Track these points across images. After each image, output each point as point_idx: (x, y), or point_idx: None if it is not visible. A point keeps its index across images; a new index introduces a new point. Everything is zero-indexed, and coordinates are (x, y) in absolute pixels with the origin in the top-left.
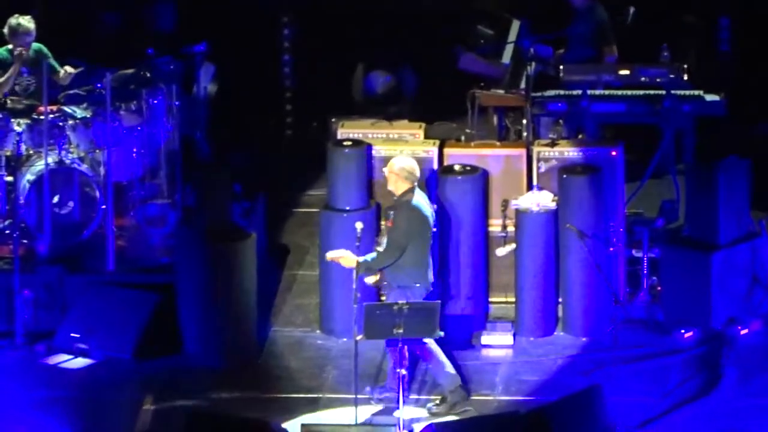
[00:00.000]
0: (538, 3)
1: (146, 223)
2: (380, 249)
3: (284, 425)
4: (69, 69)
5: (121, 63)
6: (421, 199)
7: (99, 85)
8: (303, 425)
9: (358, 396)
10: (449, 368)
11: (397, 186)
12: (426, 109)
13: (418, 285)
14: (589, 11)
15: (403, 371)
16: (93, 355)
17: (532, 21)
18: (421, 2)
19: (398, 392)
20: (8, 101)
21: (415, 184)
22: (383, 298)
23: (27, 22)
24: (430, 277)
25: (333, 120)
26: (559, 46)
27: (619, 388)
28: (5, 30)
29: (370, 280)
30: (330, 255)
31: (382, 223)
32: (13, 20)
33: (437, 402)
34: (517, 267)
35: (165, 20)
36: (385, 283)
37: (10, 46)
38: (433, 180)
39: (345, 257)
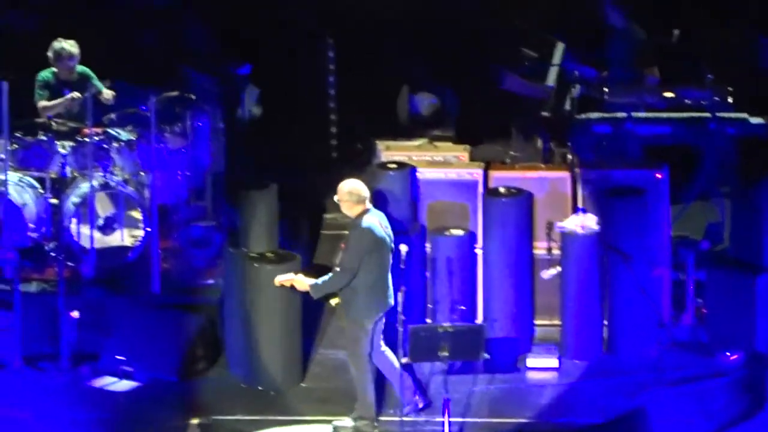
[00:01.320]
0: (581, 24)
1: (191, 245)
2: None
3: None
4: (111, 92)
5: (163, 84)
6: (374, 220)
7: (144, 108)
8: None
9: (403, 419)
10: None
11: (351, 210)
12: (471, 131)
13: (368, 318)
14: (627, 31)
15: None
16: (138, 377)
17: (577, 43)
18: (466, 23)
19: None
20: (53, 123)
21: (369, 205)
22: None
23: (70, 46)
24: (390, 301)
25: (377, 142)
26: (602, 68)
27: (664, 411)
28: (50, 54)
29: None
30: (279, 279)
31: (342, 245)
32: (57, 44)
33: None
34: (562, 289)
35: (202, 39)
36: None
37: (54, 69)
38: (477, 202)
39: (297, 280)
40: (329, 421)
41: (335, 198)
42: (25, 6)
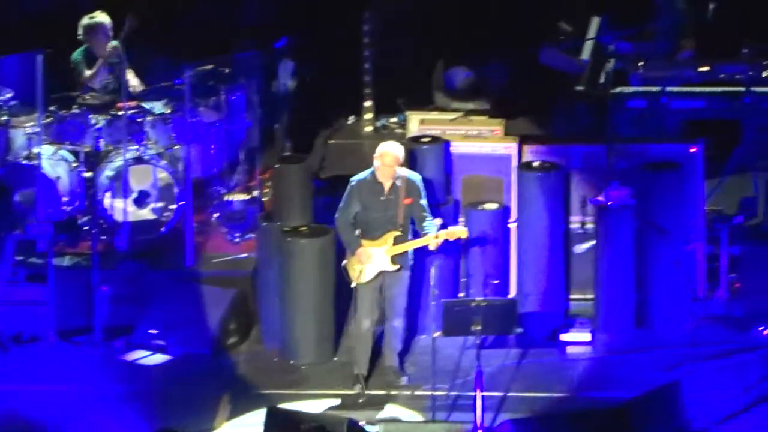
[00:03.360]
0: None
1: (225, 219)
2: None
3: (362, 422)
4: (138, 81)
5: (205, 57)
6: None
7: (178, 81)
8: (381, 421)
9: (435, 393)
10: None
11: (395, 170)
12: (507, 105)
13: None
14: (669, 4)
15: None
16: (171, 351)
17: (613, 16)
18: None
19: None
20: (87, 97)
21: None
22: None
23: (102, 17)
24: None
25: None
26: (638, 42)
27: (699, 385)
28: (81, 30)
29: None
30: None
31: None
32: (88, 19)
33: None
34: (595, 264)
35: (250, 14)
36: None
37: (85, 46)
38: (512, 177)
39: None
40: (360, 395)
41: (387, 165)
42: None
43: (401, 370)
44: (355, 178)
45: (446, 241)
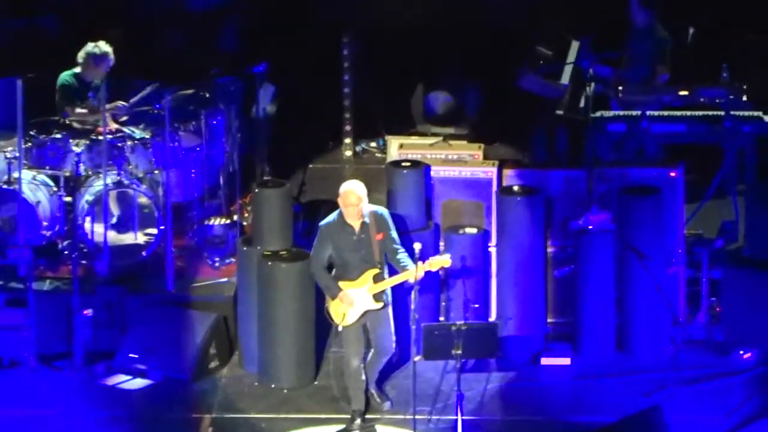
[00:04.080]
0: (597, 23)
1: (205, 244)
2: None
3: None
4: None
5: (184, 82)
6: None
7: (158, 106)
8: None
9: (416, 417)
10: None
11: (363, 209)
12: (486, 129)
13: None
14: (650, 30)
15: None
16: (152, 375)
17: (592, 41)
18: (481, 22)
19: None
20: (68, 122)
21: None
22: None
23: (109, 49)
24: None
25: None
26: (618, 67)
27: (680, 409)
28: (84, 57)
29: None
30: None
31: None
32: (97, 49)
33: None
34: (575, 287)
35: (229, 40)
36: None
37: (76, 71)
38: (492, 201)
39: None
40: (341, 420)
41: (352, 205)
42: (43, 5)
43: (383, 394)
44: (323, 223)
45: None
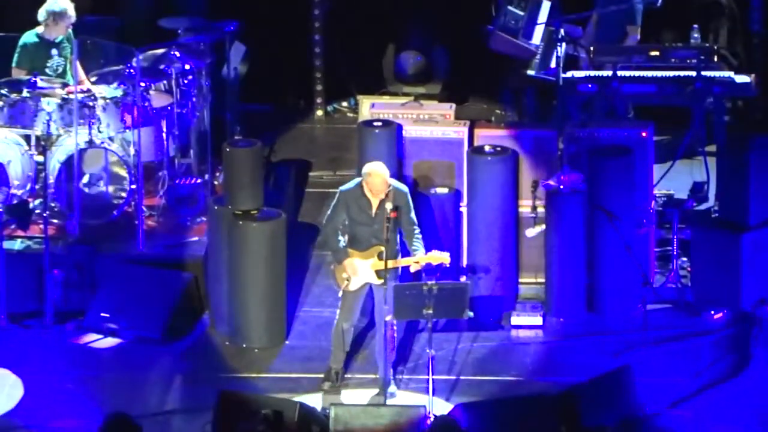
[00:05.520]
0: None
1: (176, 203)
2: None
3: (313, 405)
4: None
5: (155, 41)
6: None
7: (129, 65)
8: (332, 404)
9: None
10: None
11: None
12: (457, 89)
13: None
14: None
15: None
16: (122, 334)
17: (562, 1)
18: None
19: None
20: (38, 81)
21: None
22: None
23: (68, 3)
24: None
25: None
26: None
27: (649, 369)
28: (45, 14)
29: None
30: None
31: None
32: (56, 5)
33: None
34: (546, 248)
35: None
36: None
37: (38, 30)
38: (463, 161)
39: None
40: (313, 380)
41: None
42: None
43: (393, 382)
44: (343, 188)
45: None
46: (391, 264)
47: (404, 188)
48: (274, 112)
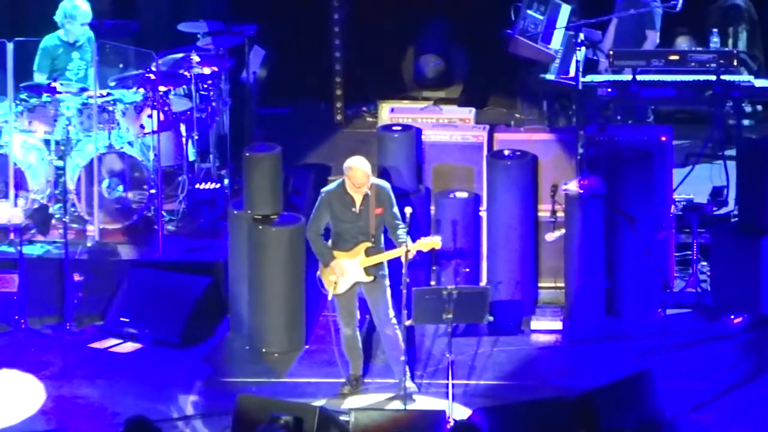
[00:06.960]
0: None
1: (195, 207)
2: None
3: (333, 409)
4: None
5: (171, 47)
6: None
7: (148, 70)
8: (353, 409)
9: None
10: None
11: (368, 183)
12: (477, 93)
13: None
14: None
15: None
16: (142, 339)
17: (582, 5)
18: None
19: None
20: (59, 86)
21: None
22: None
23: (85, 5)
24: None
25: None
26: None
27: (669, 374)
28: (60, 17)
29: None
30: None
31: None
32: (70, 5)
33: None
34: (566, 252)
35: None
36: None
37: (59, 33)
38: (482, 165)
39: (433, 241)
40: (333, 385)
41: (361, 185)
42: None
43: (411, 380)
44: (325, 189)
45: (412, 229)
46: (381, 257)
47: (386, 184)
48: (293, 116)
